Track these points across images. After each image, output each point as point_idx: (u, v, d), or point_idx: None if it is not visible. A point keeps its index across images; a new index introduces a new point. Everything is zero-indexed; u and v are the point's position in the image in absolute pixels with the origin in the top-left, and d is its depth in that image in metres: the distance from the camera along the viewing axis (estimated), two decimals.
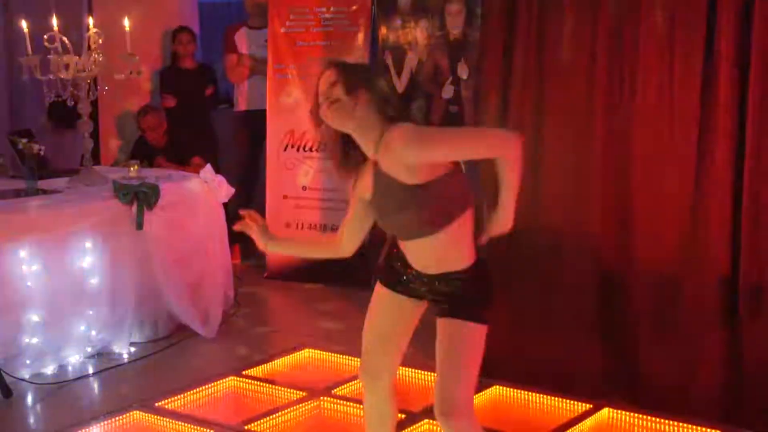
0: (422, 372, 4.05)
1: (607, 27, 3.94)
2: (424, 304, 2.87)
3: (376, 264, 2.94)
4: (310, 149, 6.13)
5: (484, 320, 2.73)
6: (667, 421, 3.59)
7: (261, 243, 2.90)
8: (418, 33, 5.74)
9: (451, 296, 2.73)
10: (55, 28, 4.89)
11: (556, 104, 4.10)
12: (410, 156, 2.54)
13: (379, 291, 2.90)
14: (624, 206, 3.99)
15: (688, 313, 3.83)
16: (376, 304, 2.91)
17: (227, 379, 4.16)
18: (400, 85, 5.77)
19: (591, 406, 3.72)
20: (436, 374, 2.73)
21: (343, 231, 2.86)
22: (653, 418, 3.62)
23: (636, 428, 3.63)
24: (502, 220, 2.67)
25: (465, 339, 2.69)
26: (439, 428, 3.48)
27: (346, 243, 2.87)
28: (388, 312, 2.87)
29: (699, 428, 3.54)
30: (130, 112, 6.81)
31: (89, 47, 4.98)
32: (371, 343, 2.90)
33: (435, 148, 2.56)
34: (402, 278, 2.82)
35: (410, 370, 4.10)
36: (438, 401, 2.69)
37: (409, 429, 3.54)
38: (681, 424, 3.56)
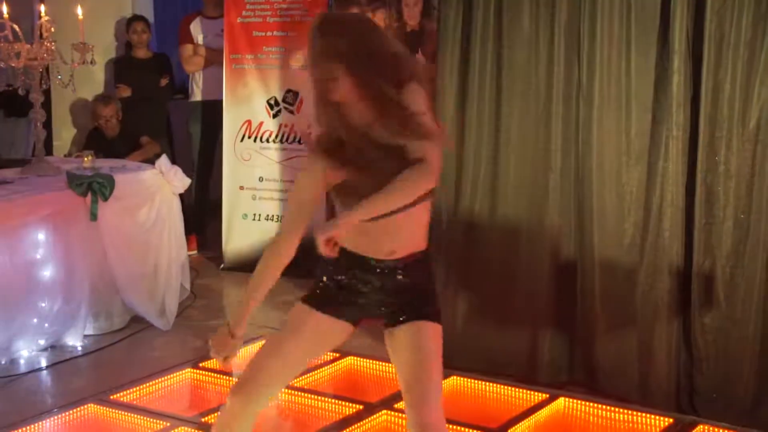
0: (379, 363, 4.05)
1: (565, 21, 3.97)
2: (350, 329, 2.64)
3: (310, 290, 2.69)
4: (267, 140, 6.10)
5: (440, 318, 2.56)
6: (621, 410, 3.64)
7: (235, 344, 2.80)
8: None
9: (409, 296, 2.55)
10: (6, 15, 4.80)
11: (513, 96, 4.12)
12: None
13: (305, 316, 2.68)
14: (581, 198, 4.03)
15: (642, 303, 3.89)
16: (297, 330, 2.67)
17: (183, 371, 4.12)
18: None
19: (547, 395, 3.75)
20: (407, 390, 2.46)
21: (298, 232, 2.65)
22: (608, 407, 3.66)
23: (591, 417, 3.67)
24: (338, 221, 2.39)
25: (437, 342, 2.51)
26: (398, 419, 3.50)
27: (295, 245, 2.67)
28: (311, 338, 2.64)
29: (652, 416, 3.59)
30: (84, 101, 6.71)
31: (41, 35, 4.90)
32: (276, 375, 2.63)
33: None
34: (347, 294, 2.58)
35: (367, 361, 4.11)
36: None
37: (366, 420, 3.54)
38: (635, 412, 3.61)
